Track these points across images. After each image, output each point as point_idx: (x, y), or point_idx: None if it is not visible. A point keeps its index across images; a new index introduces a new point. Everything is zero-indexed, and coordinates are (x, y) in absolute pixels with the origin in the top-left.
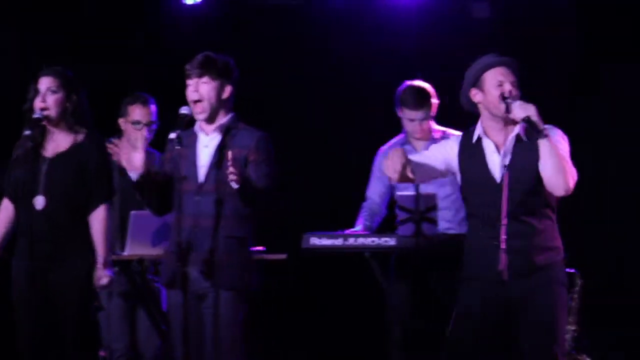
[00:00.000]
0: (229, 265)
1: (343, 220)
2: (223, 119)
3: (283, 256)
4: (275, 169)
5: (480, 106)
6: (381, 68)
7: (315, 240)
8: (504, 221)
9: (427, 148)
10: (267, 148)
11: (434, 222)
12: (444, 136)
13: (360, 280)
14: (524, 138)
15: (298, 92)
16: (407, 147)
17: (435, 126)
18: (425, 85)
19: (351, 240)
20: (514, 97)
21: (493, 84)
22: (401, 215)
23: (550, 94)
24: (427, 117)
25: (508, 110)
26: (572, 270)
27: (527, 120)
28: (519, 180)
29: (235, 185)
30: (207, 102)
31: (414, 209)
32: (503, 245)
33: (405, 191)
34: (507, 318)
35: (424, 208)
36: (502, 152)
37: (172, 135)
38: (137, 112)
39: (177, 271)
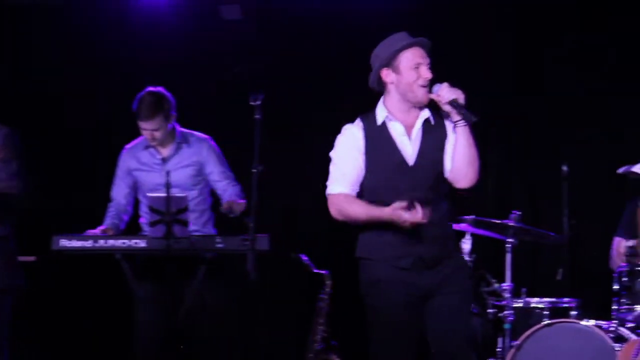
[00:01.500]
0: None
1: (95, 221)
2: None
3: (32, 258)
4: (23, 166)
5: (391, 87)
6: (131, 68)
7: (65, 242)
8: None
9: (174, 150)
10: (14, 144)
11: (185, 224)
12: (190, 139)
13: (111, 281)
14: (432, 122)
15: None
16: (152, 151)
17: (179, 129)
18: (162, 94)
19: (101, 242)
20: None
21: (409, 66)
22: (152, 217)
23: None
24: (159, 128)
25: (431, 90)
26: (323, 272)
27: (453, 103)
28: (430, 164)
29: None
30: None
31: (164, 211)
32: (417, 233)
33: (156, 192)
34: (418, 309)
35: (175, 210)
36: (412, 135)
37: None
38: None
39: None
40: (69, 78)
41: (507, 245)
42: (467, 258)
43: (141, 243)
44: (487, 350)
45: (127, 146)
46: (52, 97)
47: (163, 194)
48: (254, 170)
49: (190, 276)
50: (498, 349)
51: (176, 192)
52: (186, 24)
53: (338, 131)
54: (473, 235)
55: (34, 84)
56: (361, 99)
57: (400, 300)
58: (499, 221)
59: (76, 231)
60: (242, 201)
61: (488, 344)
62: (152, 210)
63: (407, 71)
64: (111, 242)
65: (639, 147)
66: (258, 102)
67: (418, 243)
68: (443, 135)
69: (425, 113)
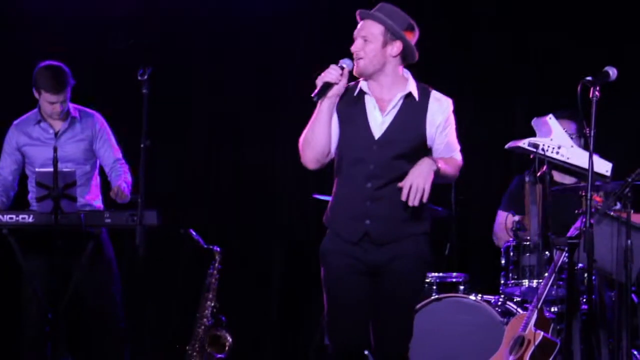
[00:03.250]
0: None
1: None
2: None
3: None
4: None
5: None
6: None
7: None
8: (372, 182)
9: (67, 124)
10: None
11: (73, 199)
12: (82, 114)
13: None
14: (417, 98)
15: None
16: (44, 125)
17: (71, 105)
18: (63, 67)
19: None
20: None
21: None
22: (40, 192)
23: None
24: (66, 100)
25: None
26: (213, 247)
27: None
28: (398, 141)
29: None
30: None
31: (52, 186)
32: (370, 208)
33: (45, 167)
34: (365, 283)
35: (63, 185)
36: (386, 109)
37: None
38: None
39: None
40: None
41: None
42: None
43: (29, 218)
44: None
45: (15, 122)
46: None
47: (51, 170)
48: (142, 146)
49: (79, 251)
50: None
51: (69, 166)
52: None
53: (220, 105)
54: None
55: None
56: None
57: (344, 272)
58: None
59: None
60: (127, 191)
61: None
62: (40, 185)
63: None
64: None
65: (527, 121)
66: (145, 77)
67: (369, 219)
68: (422, 114)
69: (409, 88)
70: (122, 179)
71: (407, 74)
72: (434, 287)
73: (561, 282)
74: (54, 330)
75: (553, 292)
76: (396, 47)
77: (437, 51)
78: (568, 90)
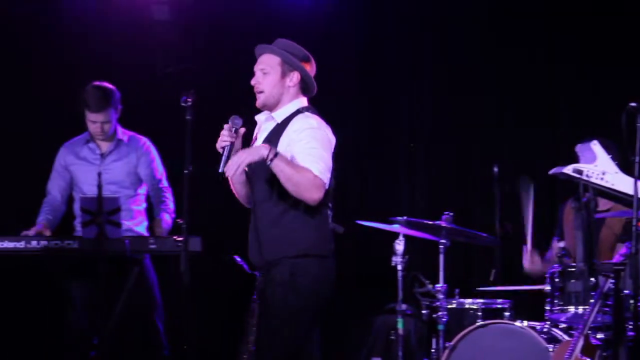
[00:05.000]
0: None
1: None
2: None
3: None
4: None
5: None
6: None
7: None
8: (251, 205)
9: (113, 146)
10: None
11: (117, 225)
12: (130, 138)
13: (44, 282)
14: (279, 120)
15: None
16: (92, 145)
17: (120, 128)
18: (110, 88)
19: (34, 243)
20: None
21: None
22: (84, 218)
23: None
24: (109, 120)
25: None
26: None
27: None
28: (263, 166)
29: None
30: None
31: (96, 212)
32: (251, 232)
33: (91, 187)
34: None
35: (107, 210)
36: (261, 134)
37: None
38: None
39: None
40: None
41: (440, 247)
42: (400, 259)
43: (74, 244)
44: (421, 351)
45: (66, 143)
46: None
47: (95, 195)
48: (186, 172)
49: (123, 277)
50: (432, 350)
51: (113, 189)
52: (118, 24)
53: None
54: (406, 236)
55: None
56: None
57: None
58: (431, 222)
59: (10, 231)
60: (166, 226)
61: (422, 345)
62: (84, 210)
63: None
64: (43, 243)
65: (570, 148)
66: (189, 103)
67: (250, 245)
68: (281, 134)
69: (279, 115)
70: (164, 211)
71: (302, 103)
72: (479, 314)
73: (607, 309)
74: (99, 356)
75: (599, 319)
76: (295, 77)
77: (478, 83)
78: (611, 116)
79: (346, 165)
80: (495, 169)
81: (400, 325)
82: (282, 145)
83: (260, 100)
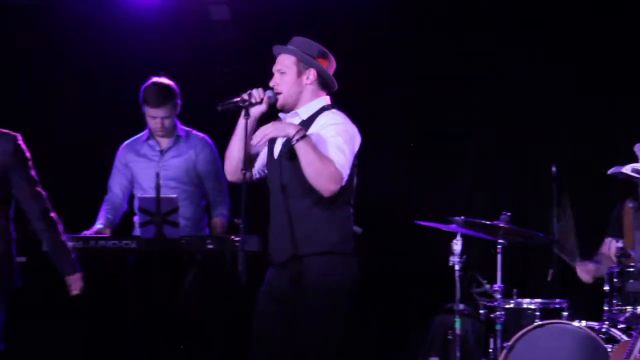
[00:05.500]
0: None
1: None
2: None
3: (22, 259)
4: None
5: None
6: (123, 69)
7: None
8: (276, 200)
9: (172, 142)
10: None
11: (175, 224)
12: (189, 135)
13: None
14: (304, 117)
15: (35, 95)
16: (152, 142)
17: (179, 124)
18: (169, 83)
19: (92, 243)
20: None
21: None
22: (142, 218)
23: None
24: (169, 115)
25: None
26: None
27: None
28: (291, 161)
29: None
30: None
31: (154, 212)
32: (274, 227)
33: (151, 184)
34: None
35: (165, 211)
36: None
37: None
38: None
39: None
40: (61, 82)
41: (497, 246)
42: (457, 259)
43: (132, 244)
44: (479, 351)
45: (126, 141)
46: (47, 101)
47: (153, 195)
48: (243, 170)
49: (180, 277)
50: (490, 350)
51: (171, 185)
52: (176, 24)
53: None
54: (463, 236)
55: (32, 90)
56: (347, 98)
57: (263, 295)
58: (489, 222)
59: (72, 229)
60: (223, 226)
61: (480, 345)
62: (142, 211)
63: None
64: (102, 243)
65: (628, 147)
66: (247, 103)
67: (272, 239)
68: (309, 129)
69: (304, 112)
70: (222, 210)
71: (326, 101)
72: (537, 314)
73: None
74: (158, 355)
75: None
76: (312, 74)
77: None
78: None
79: (404, 165)
80: (554, 169)
81: (457, 325)
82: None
83: (279, 101)
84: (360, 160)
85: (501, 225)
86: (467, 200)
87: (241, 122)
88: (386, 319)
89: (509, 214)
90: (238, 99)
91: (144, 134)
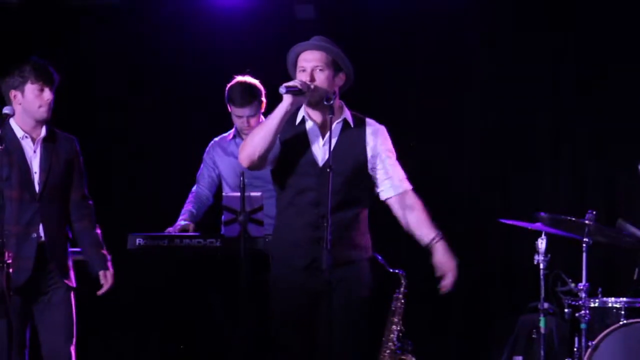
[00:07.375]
0: None
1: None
2: None
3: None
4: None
5: None
6: (209, 69)
7: (140, 241)
8: (324, 209)
9: None
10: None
11: (260, 223)
12: None
13: (186, 280)
14: (352, 124)
15: (124, 93)
16: (238, 140)
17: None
18: (254, 82)
19: (177, 241)
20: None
21: (298, 71)
22: (227, 216)
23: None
24: (255, 114)
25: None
26: (399, 271)
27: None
28: (341, 167)
29: None
30: None
31: (239, 211)
32: (328, 234)
33: (235, 188)
34: (309, 311)
35: (250, 209)
36: (326, 136)
37: None
38: None
39: None
40: (145, 83)
41: (582, 245)
42: (542, 258)
43: (216, 243)
44: (563, 350)
45: (216, 138)
46: (125, 102)
47: (237, 194)
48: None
49: (264, 275)
50: (574, 349)
51: (257, 184)
52: (260, 24)
53: (405, 128)
54: (548, 234)
55: (102, 90)
56: (418, 94)
57: (291, 301)
58: (574, 219)
59: (155, 226)
60: None
61: (565, 344)
62: (226, 209)
63: (296, 75)
64: (186, 241)
65: None
66: (331, 102)
67: (316, 245)
68: (361, 140)
69: (344, 115)
70: None
71: (342, 103)
72: (622, 312)
73: None
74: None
75: None
76: (341, 78)
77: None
78: None
79: (488, 164)
80: None
81: (542, 324)
82: (367, 151)
83: (314, 96)
84: (443, 160)
85: (587, 223)
86: (552, 199)
87: (288, 107)
88: (471, 318)
89: (594, 212)
90: (298, 84)
91: (231, 132)
